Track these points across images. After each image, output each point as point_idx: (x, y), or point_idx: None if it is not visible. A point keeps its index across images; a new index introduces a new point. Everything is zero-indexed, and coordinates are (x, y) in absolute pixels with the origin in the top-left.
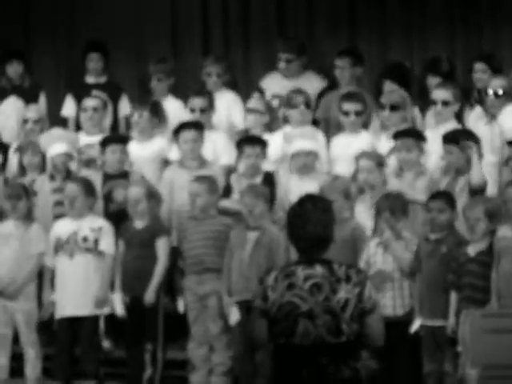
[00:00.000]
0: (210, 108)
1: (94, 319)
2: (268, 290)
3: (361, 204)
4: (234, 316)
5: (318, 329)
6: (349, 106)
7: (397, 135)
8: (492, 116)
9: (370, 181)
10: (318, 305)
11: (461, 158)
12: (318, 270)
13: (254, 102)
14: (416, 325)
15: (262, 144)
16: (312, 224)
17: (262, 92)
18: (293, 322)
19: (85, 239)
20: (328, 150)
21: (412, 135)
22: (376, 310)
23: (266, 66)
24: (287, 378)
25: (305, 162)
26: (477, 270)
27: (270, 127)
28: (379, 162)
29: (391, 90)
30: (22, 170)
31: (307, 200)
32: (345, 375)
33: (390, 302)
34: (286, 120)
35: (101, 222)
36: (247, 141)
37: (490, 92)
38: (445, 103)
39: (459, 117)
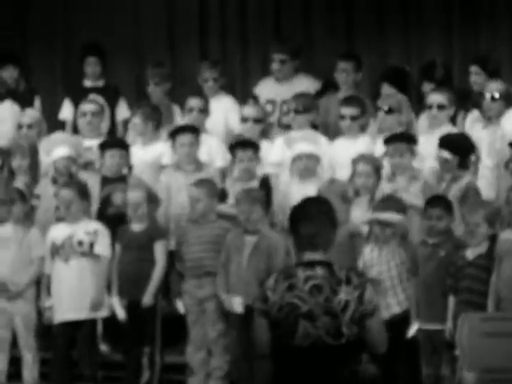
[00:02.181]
0: (206, 109)
1: (91, 323)
2: (268, 291)
3: (357, 207)
4: (237, 302)
5: (318, 330)
6: (345, 111)
7: (388, 140)
8: (489, 119)
9: (367, 185)
10: (318, 306)
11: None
12: (319, 271)
13: (248, 109)
14: (413, 329)
15: (254, 147)
16: (315, 222)
17: (256, 99)
18: (293, 323)
19: (80, 243)
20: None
21: (404, 140)
22: (376, 313)
23: (263, 71)
24: (287, 380)
25: (306, 166)
26: (475, 273)
27: (265, 133)
28: (376, 165)
29: (388, 94)
30: (12, 173)
31: (311, 199)
32: (344, 377)
33: (383, 302)
34: (280, 125)
35: (96, 226)
36: (238, 145)
37: (487, 95)
38: (440, 107)
39: (453, 121)
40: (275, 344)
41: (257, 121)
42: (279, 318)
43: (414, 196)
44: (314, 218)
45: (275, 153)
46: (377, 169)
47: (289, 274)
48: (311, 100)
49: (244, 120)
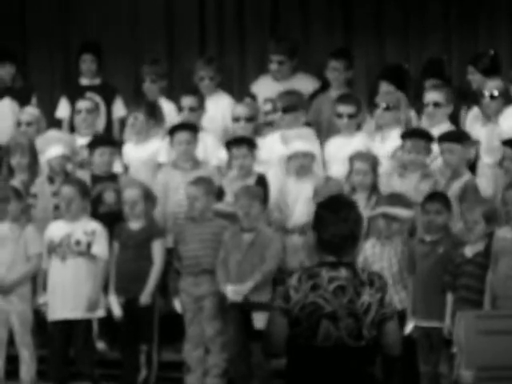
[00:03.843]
0: (199, 108)
1: (87, 321)
2: (291, 289)
3: None
4: (229, 290)
5: (340, 331)
6: (342, 109)
7: (408, 135)
8: (488, 117)
9: (364, 182)
10: (342, 307)
11: (462, 157)
12: (343, 272)
13: (239, 109)
14: (409, 326)
15: (249, 144)
16: (346, 222)
17: (253, 97)
18: (315, 323)
19: (77, 243)
20: (322, 152)
21: (423, 136)
22: (395, 317)
23: (260, 69)
24: (304, 379)
25: (302, 164)
26: (473, 271)
27: (259, 131)
28: (373, 163)
29: (386, 91)
30: (11, 171)
31: (336, 199)
32: (361, 380)
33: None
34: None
35: (94, 225)
36: (232, 142)
37: (486, 93)
38: (436, 105)
39: (455, 119)
40: (293, 343)
41: (248, 119)
42: (300, 317)
43: (422, 195)
44: (349, 221)
45: (264, 151)
46: (374, 166)
47: (313, 274)
48: (298, 98)
49: (236, 119)
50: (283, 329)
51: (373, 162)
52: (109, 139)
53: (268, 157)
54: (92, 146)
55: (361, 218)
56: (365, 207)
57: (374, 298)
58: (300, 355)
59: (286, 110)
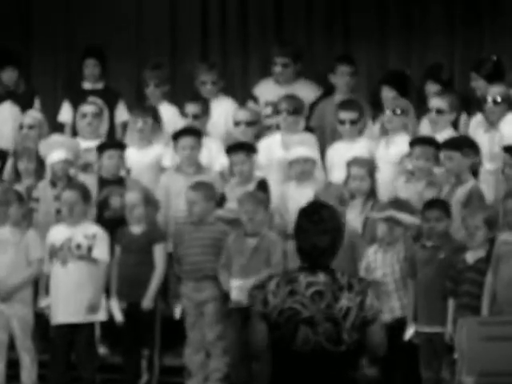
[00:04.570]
0: (204, 114)
1: (89, 326)
2: (269, 294)
3: (351, 210)
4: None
5: (318, 336)
6: (345, 115)
7: (416, 142)
8: (491, 123)
9: (361, 188)
10: (320, 312)
11: (462, 164)
12: (321, 277)
13: (240, 113)
14: (409, 332)
15: (247, 150)
16: (323, 232)
17: (255, 100)
18: (293, 328)
19: (78, 246)
20: (324, 158)
21: (433, 144)
22: (378, 319)
23: (263, 74)
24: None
25: (303, 169)
26: (475, 277)
27: (260, 136)
28: (370, 168)
29: (396, 97)
30: (17, 175)
31: (318, 208)
32: None
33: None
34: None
35: (95, 229)
36: (231, 148)
37: (489, 99)
38: (439, 111)
39: (454, 125)
40: (274, 347)
41: (249, 124)
42: (279, 322)
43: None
44: (330, 232)
45: (261, 155)
46: (371, 172)
47: (291, 279)
48: (301, 103)
49: (236, 124)
50: (263, 334)
51: (370, 167)
52: (118, 142)
53: (268, 161)
54: (101, 149)
55: (341, 228)
56: (360, 213)
57: (354, 301)
58: (280, 360)
59: (290, 112)
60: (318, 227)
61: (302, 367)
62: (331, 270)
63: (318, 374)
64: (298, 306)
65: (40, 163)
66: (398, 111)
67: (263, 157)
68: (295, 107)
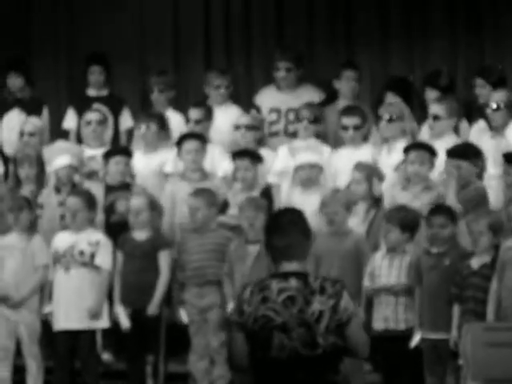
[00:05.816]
0: (206, 120)
1: (91, 332)
2: (244, 303)
3: (354, 215)
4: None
5: (293, 342)
6: (348, 121)
7: (412, 147)
8: (495, 129)
9: (358, 191)
10: (292, 318)
11: (471, 172)
12: (293, 283)
13: (240, 117)
14: (416, 339)
15: (252, 157)
16: (287, 233)
17: (257, 110)
18: (268, 335)
19: (81, 253)
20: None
21: (427, 149)
22: (353, 320)
23: (266, 80)
24: None
25: (309, 175)
26: (480, 283)
27: (264, 142)
28: (369, 173)
29: (390, 103)
30: (18, 181)
31: (283, 211)
32: None
33: (393, 315)
34: (286, 133)
35: (99, 236)
36: (236, 154)
37: (493, 106)
38: (436, 118)
39: (455, 131)
40: (252, 356)
41: (249, 128)
42: (254, 330)
43: (424, 206)
44: (286, 229)
45: (280, 161)
46: (369, 176)
47: (263, 286)
48: (321, 110)
49: (236, 128)
50: (241, 343)
51: (369, 172)
52: (124, 149)
53: (283, 167)
54: (107, 155)
55: (303, 227)
56: (363, 221)
57: (326, 305)
58: (260, 368)
59: (311, 121)
60: (275, 226)
61: (281, 374)
62: (304, 274)
63: (298, 379)
64: (270, 312)
65: (41, 170)
66: (394, 116)
67: (281, 163)
68: (316, 115)
